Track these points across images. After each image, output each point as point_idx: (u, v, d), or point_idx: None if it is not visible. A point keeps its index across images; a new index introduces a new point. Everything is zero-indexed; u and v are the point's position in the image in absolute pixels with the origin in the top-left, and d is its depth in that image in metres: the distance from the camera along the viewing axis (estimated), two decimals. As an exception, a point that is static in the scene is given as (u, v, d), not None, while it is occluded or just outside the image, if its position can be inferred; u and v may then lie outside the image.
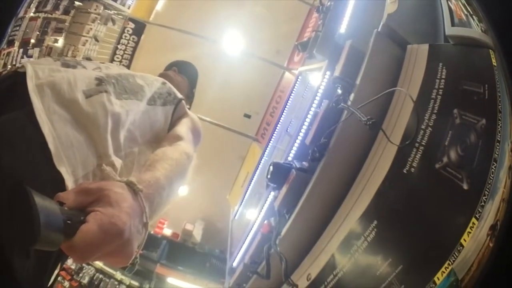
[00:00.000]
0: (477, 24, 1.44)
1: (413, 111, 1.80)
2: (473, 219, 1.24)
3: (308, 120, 2.84)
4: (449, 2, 1.84)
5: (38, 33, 4.94)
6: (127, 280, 5.37)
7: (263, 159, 5.10)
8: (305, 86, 4.81)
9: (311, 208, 2.18)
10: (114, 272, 5.36)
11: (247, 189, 5.08)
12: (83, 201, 0.65)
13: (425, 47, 1.95)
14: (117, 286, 5.33)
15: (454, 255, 1.27)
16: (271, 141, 5.19)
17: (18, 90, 0.88)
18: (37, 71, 0.94)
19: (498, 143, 1.26)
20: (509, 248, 0.98)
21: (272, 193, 2.74)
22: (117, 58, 5.79)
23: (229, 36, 5.84)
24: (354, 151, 2.10)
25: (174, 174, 0.90)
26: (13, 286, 0.65)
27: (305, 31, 5.37)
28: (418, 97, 1.82)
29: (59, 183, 0.78)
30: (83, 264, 5.07)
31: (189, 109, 1.32)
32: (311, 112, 2.85)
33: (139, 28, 5.96)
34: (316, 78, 3.98)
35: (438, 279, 1.31)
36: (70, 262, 5.03)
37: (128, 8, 5.80)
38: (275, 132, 5.20)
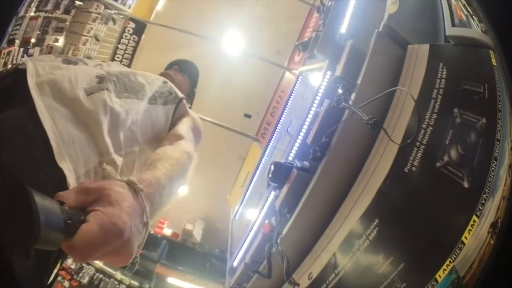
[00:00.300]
0: (477, 25, 1.44)
1: (414, 111, 1.80)
2: (474, 217, 1.24)
3: (309, 119, 2.84)
4: (449, 2, 1.85)
5: (38, 32, 4.94)
6: (127, 280, 5.38)
7: (263, 159, 5.10)
8: (305, 86, 4.81)
9: (312, 207, 2.18)
10: (114, 272, 5.37)
11: (248, 189, 5.08)
12: (83, 201, 0.65)
13: (425, 47, 1.95)
14: (117, 286, 5.34)
15: (455, 252, 1.27)
16: (271, 141, 5.19)
17: (18, 88, 0.88)
18: (38, 68, 0.93)
19: (498, 142, 1.26)
20: (510, 246, 0.98)
21: (273, 193, 2.74)
22: (118, 57, 5.80)
23: (230, 36, 5.84)
24: (355, 151, 2.10)
25: (175, 173, 0.90)
26: (13, 286, 0.65)
27: (306, 31, 5.37)
28: (419, 97, 1.82)
29: (60, 180, 0.78)
30: (83, 264, 5.07)
31: (190, 108, 1.32)
32: (312, 112, 2.85)
33: (140, 27, 5.96)
34: (316, 78, 3.98)
35: (440, 276, 1.31)
36: (70, 262, 5.04)
37: (129, 7, 5.81)
38: (276, 132, 5.21)
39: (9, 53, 4.55)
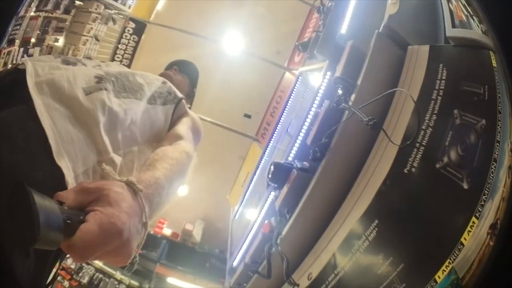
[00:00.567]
0: (478, 25, 1.44)
1: (413, 112, 1.80)
2: (473, 218, 1.24)
3: (308, 120, 2.84)
4: (449, 3, 1.84)
5: (38, 32, 4.94)
6: (126, 280, 5.39)
7: (263, 159, 5.11)
8: (305, 86, 4.81)
9: (312, 207, 2.18)
10: (113, 272, 5.38)
11: (247, 189, 5.08)
12: (82, 201, 0.65)
13: (425, 48, 1.95)
14: (117, 286, 5.34)
15: (455, 253, 1.27)
16: (271, 141, 5.20)
17: (18, 88, 0.88)
18: (37, 69, 0.94)
19: (498, 143, 1.26)
20: (509, 247, 0.98)
21: (273, 193, 2.74)
22: (118, 57, 5.80)
23: (230, 36, 5.85)
24: (355, 151, 2.10)
25: (174, 173, 0.90)
26: (13, 285, 0.65)
27: (306, 32, 5.37)
28: (418, 98, 1.82)
29: (58, 179, 0.78)
30: (83, 264, 5.08)
31: (189, 108, 1.32)
32: (311, 112, 2.85)
33: (140, 27, 5.97)
34: (316, 78, 3.99)
35: (439, 277, 1.31)
36: (69, 262, 5.04)
37: (129, 7, 5.81)
38: (276, 132, 5.21)
39: (9, 53, 4.55)
